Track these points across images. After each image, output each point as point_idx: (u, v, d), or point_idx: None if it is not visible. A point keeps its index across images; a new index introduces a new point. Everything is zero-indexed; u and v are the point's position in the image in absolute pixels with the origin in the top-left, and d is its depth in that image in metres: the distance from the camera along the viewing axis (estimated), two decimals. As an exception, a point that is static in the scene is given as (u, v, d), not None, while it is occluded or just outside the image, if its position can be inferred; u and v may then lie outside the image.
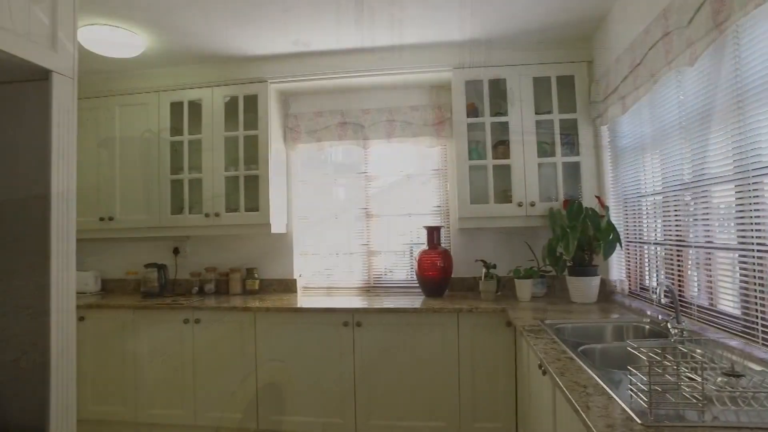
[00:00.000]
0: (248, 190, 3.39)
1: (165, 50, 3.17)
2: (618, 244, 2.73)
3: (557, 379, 1.42)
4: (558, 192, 3.07)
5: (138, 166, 3.50)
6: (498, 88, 3.16)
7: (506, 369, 2.74)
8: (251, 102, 3.40)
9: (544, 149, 3.17)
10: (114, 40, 2.85)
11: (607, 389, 1.31)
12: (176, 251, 3.75)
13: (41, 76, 1.84)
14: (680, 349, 1.46)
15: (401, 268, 3.56)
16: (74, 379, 1.82)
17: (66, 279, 1.84)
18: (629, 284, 2.76)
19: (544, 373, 1.72)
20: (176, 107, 3.48)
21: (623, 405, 1.20)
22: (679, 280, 2.15)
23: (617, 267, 2.92)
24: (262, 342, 2.96)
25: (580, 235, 2.75)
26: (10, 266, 1.86)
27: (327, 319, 2.90)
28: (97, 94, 3.57)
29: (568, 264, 2.90)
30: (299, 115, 3.63)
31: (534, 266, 3.20)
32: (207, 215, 3.35)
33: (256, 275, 3.56)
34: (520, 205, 3.05)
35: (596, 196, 2.94)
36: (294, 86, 3.48)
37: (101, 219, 3.50)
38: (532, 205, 3.04)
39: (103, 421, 3.16)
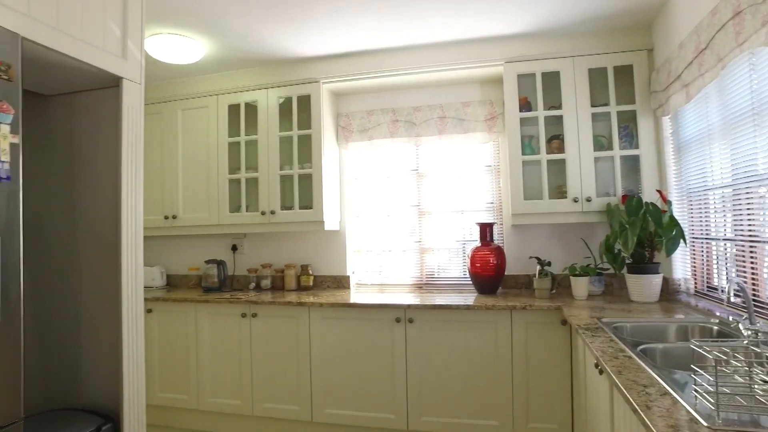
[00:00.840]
0: (302, 188, 3.49)
1: (222, 55, 3.31)
2: (682, 241, 2.60)
3: (614, 378, 1.38)
4: (616, 187, 2.95)
5: (199, 166, 3.67)
6: (552, 81, 3.08)
7: (561, 368, 2.67)
8: (304, 102, 3.49)
9: (601, 143, 3.05)
10: (176, 47, 3.00)
11: (669, 389, 1.26)
12: (234, 248, 3.91)
13: (113, 83, 1.97)
14: (753, 350, 1.38)
15: (454, 266, 3.55)
16: (143, 365, 1.94)
17: (135, 273, 1.96)
18: (695, 283, 2.62)
19: (601, 372, 1.67)
20: (233, 109, 3.63)
21: (687, 406, 1.14)
22: (753, 279, 2.02)
23: (681, 264, 2.78)
24: (316, 336, 3.03)
25: (640, 231, 2.64)
26: (88, 260, 2.00)
27: (379, 315, 2.93)
28: (161, 99, 3.78)
29: (627, 261, 2.78)
30: (351, 114, 3.69)
31: (591, 264, 3.10)
32: (263, 213, 3.46)
33: (310, 271, 3.65)
34: (575, 200, 2.96)
35: (657, 191, 2.80)
36: (345, 85, 3.53)
37: (165, 217, 3.70)
38: (589, 200, 2.94)
39: (169, 407, 3.34)
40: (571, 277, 2.92)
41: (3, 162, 1.39)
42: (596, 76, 3.04)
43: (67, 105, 2.08)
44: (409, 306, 2.87)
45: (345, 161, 3.76)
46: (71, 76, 1.90)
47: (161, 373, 3.34)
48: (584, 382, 2.21)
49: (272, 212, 3.45)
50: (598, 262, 3.12)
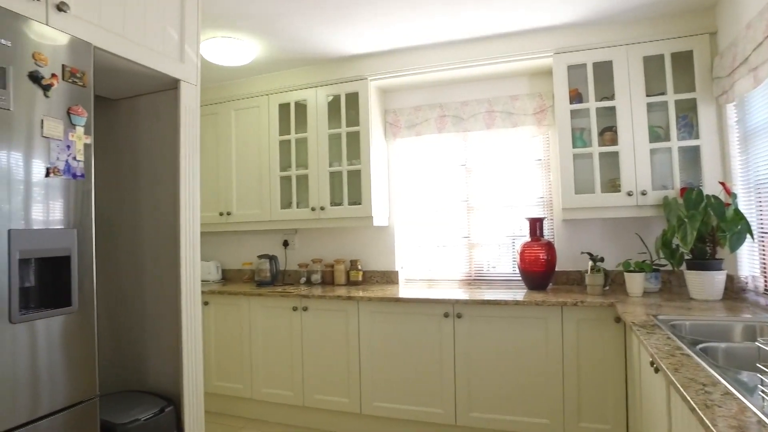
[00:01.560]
0: (351, 184, 3.54)
1: (272, 56, 3.41)
2: (749, 236, 2.46)
3: (671, 376, 1.33)
4: (674, 179, 2.83)
5: (251, 164, 3.81)
6: (604, 71, 2.98)
7: (615, 367, 2.60)
8: (352, 99, 3.55)
9: (657, 134, 2.93)
10: (229, 50, 3.12)
11: (732, 389, 1.20)
12: (286, 243, 4.02)
13: (172, 86, 2.08)
14: (824, 351, 1.29)
15: (503, 261, 3.50)
16: (201, 354, 2.04)
17: (192, 267, 2.07)
18: (765, 281, 2.47)
19: (657, 370, 1.61)
20: (284, 108, 3.74)
21: (753, 407, 1.09)
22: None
23: (748, 261, 2.62)
24: (365, 330, 3.08)
25: (701, 225, 2.51)
26: (151, 255, 2.12)
27: (427, 310, 2.95)
28: (215, 101, 3.94)
29: (687, 257, 2.66)
30: (398, 110, 3.71)
31: (646, 259, 2.98)
32: (313, 209, 3.55)
33: (359, 267, 3.71)
34: (629, 194, 2.85)
35: (720, 183, 2.66)
36: (393, 82, 3.55)
37: (220, 214, 3.86)
38: (644, 194, 2.83)
39: (225, 396, 3.49)
40: (625, 273, 2.83)
41: (78, 161, 1.51)
42: (652, 64, 2.92)
43: (130, 108, 2.22)
44: (457, 301, 2.86)
45: (393, 157, 3.78)
46: (134, 80, 2.02)
47: (217, 363, 3.50)
48: (639, 382, 2.14)
49: (322, 208, 3.52)
50: (654, 258, 3.00)
